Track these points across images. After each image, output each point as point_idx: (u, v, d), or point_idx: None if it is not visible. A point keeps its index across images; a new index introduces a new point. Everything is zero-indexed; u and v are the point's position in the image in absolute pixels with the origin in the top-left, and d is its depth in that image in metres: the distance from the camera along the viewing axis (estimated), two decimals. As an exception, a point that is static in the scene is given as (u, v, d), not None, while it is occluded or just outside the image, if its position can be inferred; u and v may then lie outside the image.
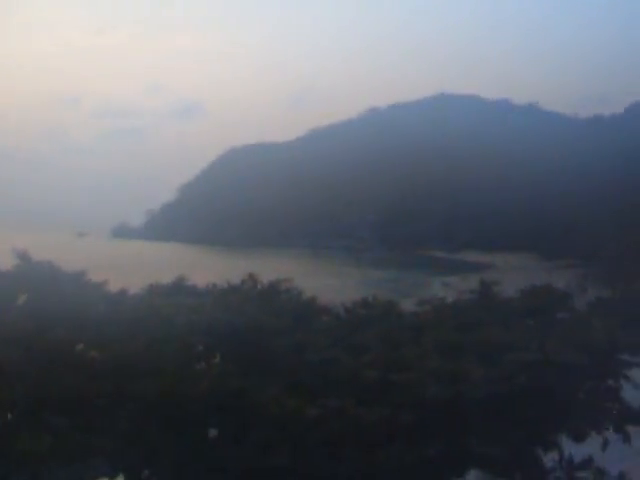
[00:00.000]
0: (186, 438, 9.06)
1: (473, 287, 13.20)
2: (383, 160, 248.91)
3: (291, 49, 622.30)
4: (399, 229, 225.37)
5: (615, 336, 9.54)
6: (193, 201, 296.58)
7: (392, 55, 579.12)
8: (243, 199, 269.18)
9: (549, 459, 11.31)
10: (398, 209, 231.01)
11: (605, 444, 10.50)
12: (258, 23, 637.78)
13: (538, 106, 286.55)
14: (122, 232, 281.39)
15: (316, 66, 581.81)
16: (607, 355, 9.80)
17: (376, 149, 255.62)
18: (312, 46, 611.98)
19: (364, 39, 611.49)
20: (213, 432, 9.90)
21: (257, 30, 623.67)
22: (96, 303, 11.90)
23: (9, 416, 9.00)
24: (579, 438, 10.46)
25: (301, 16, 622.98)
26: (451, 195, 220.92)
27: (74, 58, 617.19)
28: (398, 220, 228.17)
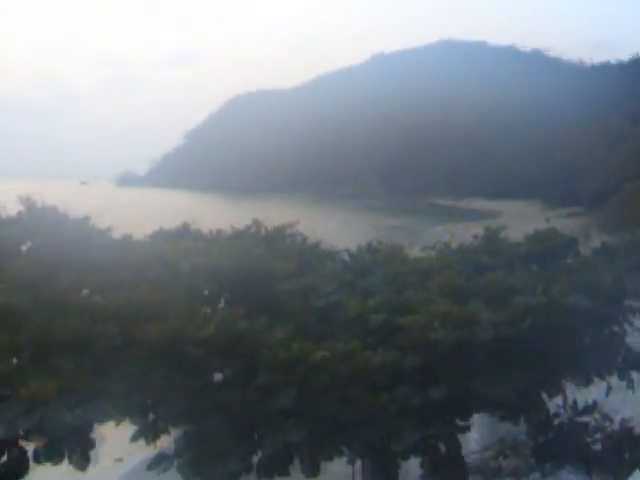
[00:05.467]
0: (191, 382, 9.11)
1: (477, 234, 13.19)
2: (388, 107, 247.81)
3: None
4: (404, 177, 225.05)
5: (621, 281, 9.52)
6: (197, 149, 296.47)
7: (397, 0, 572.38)
8: (248, 146, 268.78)
9: (553, 405, 11.36)
10: (403, 157, 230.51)
11: (609, 390, 10.54)
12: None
13: (543, 53, 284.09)
14: (126, 181, 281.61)
15: (318, 11, 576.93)
16: (612, 300, 9.80)
17: (381, 96, 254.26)
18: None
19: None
20: (218, 376, 9.94)
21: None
22: (101, 249, 11.86)
23: (15, 361, 9.04)
24: (583, 384, 10.50)
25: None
26: (456, 143, 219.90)
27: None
28: (403, 168, 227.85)
